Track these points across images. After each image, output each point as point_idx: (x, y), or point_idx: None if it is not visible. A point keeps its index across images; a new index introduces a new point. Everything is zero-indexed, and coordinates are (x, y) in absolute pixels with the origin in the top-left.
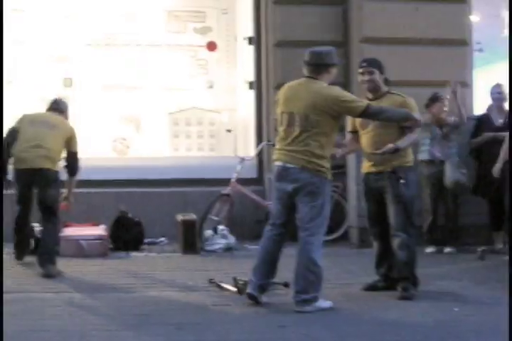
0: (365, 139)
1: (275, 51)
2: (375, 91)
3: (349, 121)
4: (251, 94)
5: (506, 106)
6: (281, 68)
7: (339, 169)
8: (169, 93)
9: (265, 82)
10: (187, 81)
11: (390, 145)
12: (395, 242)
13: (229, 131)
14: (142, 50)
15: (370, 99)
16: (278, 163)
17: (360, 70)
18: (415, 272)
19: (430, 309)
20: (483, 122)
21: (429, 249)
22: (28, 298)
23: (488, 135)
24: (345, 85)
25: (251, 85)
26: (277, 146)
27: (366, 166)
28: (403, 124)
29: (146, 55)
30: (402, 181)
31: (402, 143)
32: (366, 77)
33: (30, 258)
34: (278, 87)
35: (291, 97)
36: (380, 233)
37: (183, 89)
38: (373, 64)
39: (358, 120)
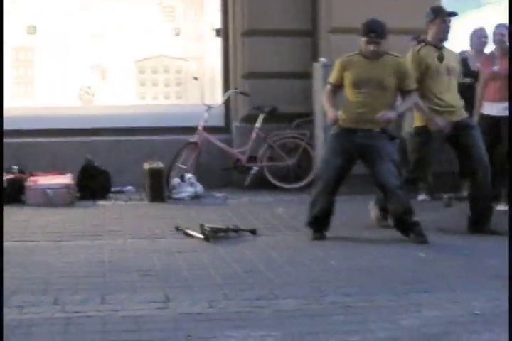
0: (359, 98)
1: None
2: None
3: (334, 74)
4: (218, 42)
5: (486, 50)
6: (248, 15)
7: (306, 117)
8: (135, 41)
9: (232, 29)
10: (153, 28)
11: (391, 113)
12: (393, 199)
13: (196, 78)
14: None
15: (367, 58)
16: None
17: (368, 39)
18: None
19: (395, 254)
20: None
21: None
22: None
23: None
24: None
25: (218, 32)
26: None
27: (353, 122)
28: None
29: (111, 2)
30: (396, 140)
31: (400, 107)
32: (372, 47)
33: None
34: (245, 34)
35: None
36: (333, 189)
37: (149, 37)
38: (382, 35)
39: (357, 78)
